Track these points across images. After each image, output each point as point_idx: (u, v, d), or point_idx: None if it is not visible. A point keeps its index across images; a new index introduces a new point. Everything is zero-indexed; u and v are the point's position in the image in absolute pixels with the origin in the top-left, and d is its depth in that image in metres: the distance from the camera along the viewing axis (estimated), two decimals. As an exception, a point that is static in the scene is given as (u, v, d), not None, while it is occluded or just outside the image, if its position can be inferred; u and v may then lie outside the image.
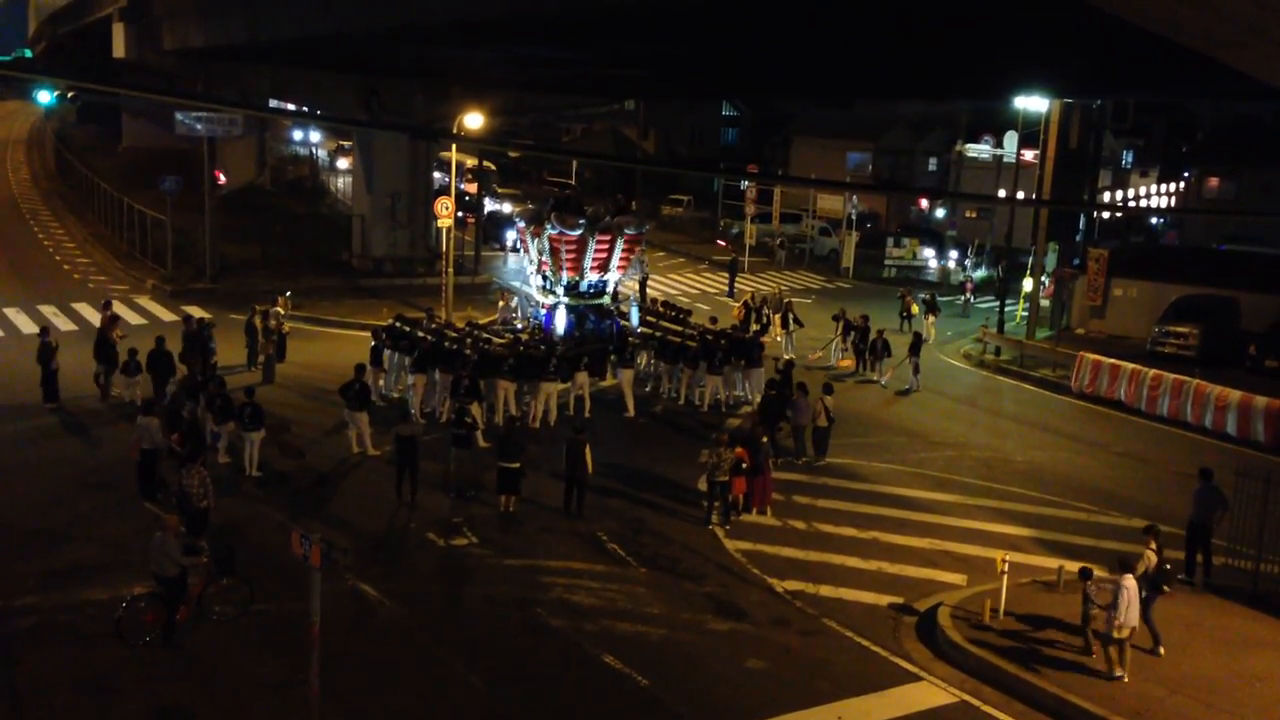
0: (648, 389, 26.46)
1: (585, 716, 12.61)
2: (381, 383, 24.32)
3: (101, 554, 15.91)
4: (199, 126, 36.27)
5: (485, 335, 25.63)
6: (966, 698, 13.28)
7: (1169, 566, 14.81)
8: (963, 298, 42.88)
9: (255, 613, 14.23)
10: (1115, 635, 13.42)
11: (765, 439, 19.66)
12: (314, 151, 66.62)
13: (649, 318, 29.16)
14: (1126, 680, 13.37)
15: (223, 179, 40.25)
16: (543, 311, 28.15)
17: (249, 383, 21.67)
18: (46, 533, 16.65)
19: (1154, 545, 14.69)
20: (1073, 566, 16.93)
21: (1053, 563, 16.60)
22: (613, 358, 25.43)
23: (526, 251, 28.27)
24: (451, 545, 17.15)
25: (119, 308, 32.33)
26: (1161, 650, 14.16)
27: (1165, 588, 14.59)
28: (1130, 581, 13.56)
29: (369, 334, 25.70)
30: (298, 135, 62.61)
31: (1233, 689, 13.44)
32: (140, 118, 59.59)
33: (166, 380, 22.88)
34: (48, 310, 31.35)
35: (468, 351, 23.45)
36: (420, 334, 24.69)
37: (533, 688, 13.09)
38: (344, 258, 41.28)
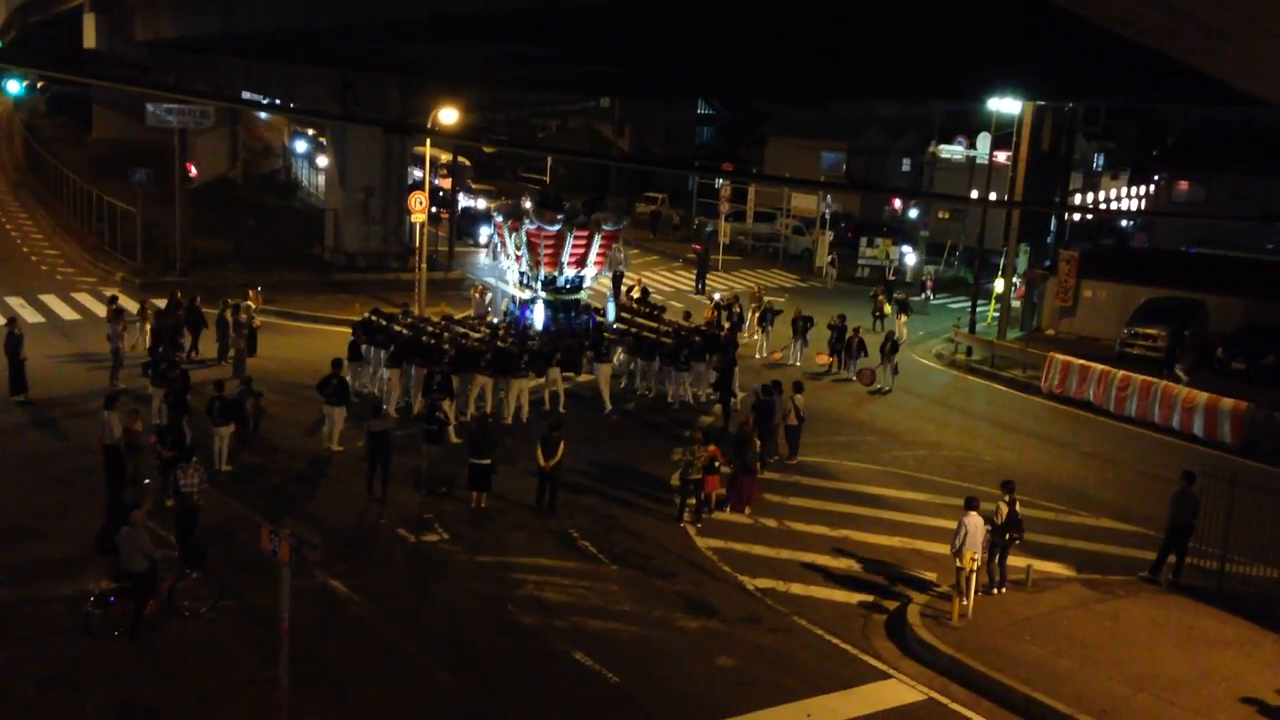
0: (621, 385, 26.46)
1: (555, 713, 12.61)
2: (356, 380, 24.18)
3: (68, 548, 15.75)
4: (170, 118, 35.96)
5: (462, 330, 25.55)
6: (935, 695, 13.37)
7: (1020, 518, 16.31)
8: (923, 295, 42.96)
9: (224, 608, 14.16)
10: (958, 563, 15.02)
11: (757, 441, 19.64)
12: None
13: (624, 314, 29.18)
14: (968, 602, 15.04)
15: (194, 171, 39.88)
16: (518, 307, 28.10)
17: (219, 377, 21.48)
18: (12, 527, 16.48)
19: (1007, 499, 16.20)
20: (1041, 566, 17.20)
21: (1021, 561, 16.70)
22: (589, 353, 25.42)
23: (504, 246, 28.22)
24: (422, 541, 17.10)
25: (87, 300, 32.21)
26: (995, 591, 15.89)
27: (1013, 539, 16.20)
28: (972, 518, 15.12)
29: (343, 328, 25.57)
30: (300, 147, 60.56)
31: (1197, 688, 13.59)
32: (111, 109, 58.90)
33: (197, 333, 26.30)
34: (15, 302, 30.97)
35: (445, 346, 23.38)
36: (397, 328, 24.59)
37: (503, 684, 13.08)
38: (316, 252, 41.05)
